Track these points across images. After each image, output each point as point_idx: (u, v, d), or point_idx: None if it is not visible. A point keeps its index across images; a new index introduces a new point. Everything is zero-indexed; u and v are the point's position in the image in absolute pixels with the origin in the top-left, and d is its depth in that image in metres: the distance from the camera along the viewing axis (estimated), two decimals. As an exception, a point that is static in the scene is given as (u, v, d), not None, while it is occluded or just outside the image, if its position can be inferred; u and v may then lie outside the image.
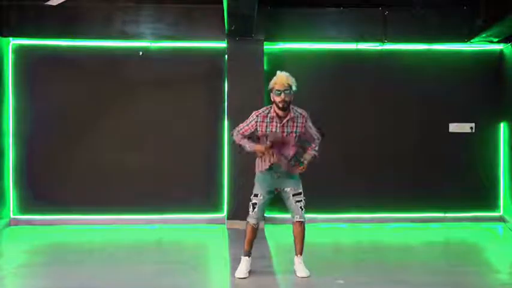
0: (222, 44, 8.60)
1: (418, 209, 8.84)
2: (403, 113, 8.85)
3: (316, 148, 6.03)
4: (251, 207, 5.95)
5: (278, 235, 7.44)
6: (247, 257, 6.07)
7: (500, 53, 8.86)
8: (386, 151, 8.83)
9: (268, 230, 8.20)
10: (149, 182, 8.66)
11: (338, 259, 6.88)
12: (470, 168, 8.88)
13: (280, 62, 8.78)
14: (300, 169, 5.85)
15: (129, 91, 8.68)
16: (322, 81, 8.80)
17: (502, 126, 8.87)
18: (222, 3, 7.58)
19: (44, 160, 8.60)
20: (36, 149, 8.60)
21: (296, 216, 5.92)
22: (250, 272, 6.07)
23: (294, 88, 5.74)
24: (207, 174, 8.72)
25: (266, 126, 5.75)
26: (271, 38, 8.62)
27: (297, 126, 5.79)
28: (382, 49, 8.80)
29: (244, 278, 5.97)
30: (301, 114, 5.85)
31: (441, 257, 7.14)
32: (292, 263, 6.21)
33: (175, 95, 8.72)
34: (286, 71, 8.25)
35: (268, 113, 5.78)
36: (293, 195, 5.89)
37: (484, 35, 8.24)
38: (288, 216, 6.55)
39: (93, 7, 8.50)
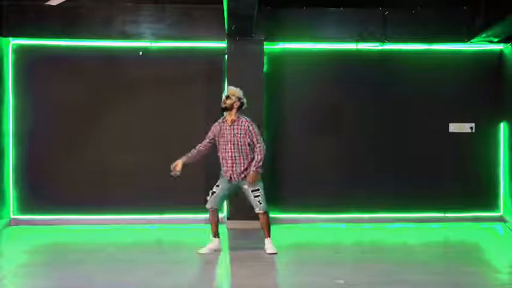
0: (222, 44, 8.60)
1: (418, 209, 8.84)
2: (403, 113, 8.85)
3: (256, 166, 6.82)
4: (210, 194, 6.97)
5: (279, 235, 7.42)
6: (215, 237, 7.00)
7: (500, 53, 8.86)
8: (386, 151, 8.83)
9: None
10: (149, 182, 8.65)
11: (338, 259, 6.87)
12: (470, 168, 8.88)
13: (280, 62, 8.78)
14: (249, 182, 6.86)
15: (129, 91, 8.68)
16: (322, 81, 8.81)
17: (502, 126, 8.87)
18: (222, 3, 7.58)
19: (44, 160, 8.60)
20: (36, 149, 8.60)
21: (256, 208, 6.91)
22: (216, 251, 6.98)
23: (238, 96, 6.93)
24: (207, 174, 8.71)
25: (220, 128, 7.01)
26: (271, 38, 8.63)
27: (241, 128, 6.88)
28: (382, 49, 8.80)
29: (204, 254, 6.86)
30: (246, 119, 6.96)
31: (441, 257, 7.13)
32: (293, 262, 6.70)
33: (175, 95, 8.72)
34: (286, 71, 8.74)
35: (221, 120, 7.08)
36: (252, 191, 6.89)
37: (484, 35, 8.24)
38: (288, 216, 8.77)
39: (93, 7, 8.51)
